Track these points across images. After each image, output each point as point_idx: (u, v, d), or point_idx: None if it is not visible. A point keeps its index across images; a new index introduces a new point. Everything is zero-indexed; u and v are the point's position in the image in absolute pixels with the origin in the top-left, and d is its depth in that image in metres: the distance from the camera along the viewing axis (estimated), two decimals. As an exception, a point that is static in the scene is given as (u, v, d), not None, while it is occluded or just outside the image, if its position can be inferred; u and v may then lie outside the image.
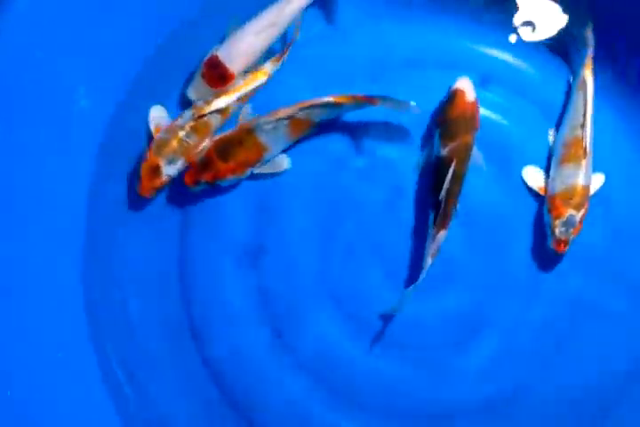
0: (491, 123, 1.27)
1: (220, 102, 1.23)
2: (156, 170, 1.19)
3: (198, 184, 1.21)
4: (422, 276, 1.17)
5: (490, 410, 1.22)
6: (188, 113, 1.22)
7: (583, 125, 1.21)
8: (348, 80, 1.28)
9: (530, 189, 1.25)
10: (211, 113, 1.22)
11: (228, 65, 1.25)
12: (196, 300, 1.24)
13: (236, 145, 1.21)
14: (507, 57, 1.30)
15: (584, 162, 1.20)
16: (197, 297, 1.24)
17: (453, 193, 1.19)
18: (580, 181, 1.20)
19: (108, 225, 1.25)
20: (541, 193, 1.23)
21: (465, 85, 1.24)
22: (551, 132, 1.26)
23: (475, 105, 1.23)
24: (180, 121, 1.22)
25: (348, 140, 1.28)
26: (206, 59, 1.26)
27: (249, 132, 1.21)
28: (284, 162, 1.26)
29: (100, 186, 1.24)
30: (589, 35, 1.25)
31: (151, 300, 1.24)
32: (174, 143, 1.20)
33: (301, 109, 1.20)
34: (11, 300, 1.16)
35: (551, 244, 1.20)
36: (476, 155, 1.23)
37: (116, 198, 1.25)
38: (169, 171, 1.19)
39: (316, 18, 1.31)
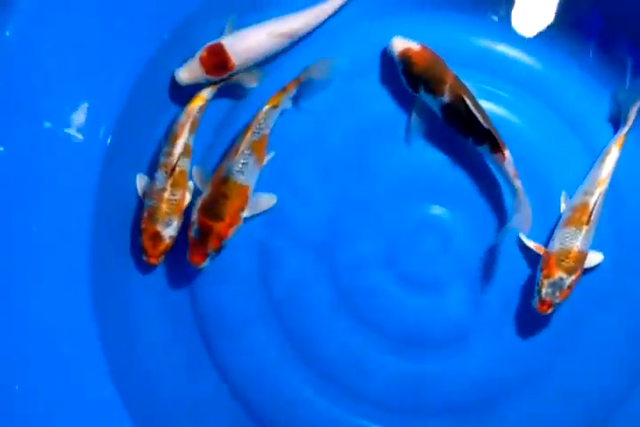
0: (501, 120, 1.27)
1: (179, 146, 1.21)
2: (156, 237, 1.19)
3: (209, 257, 1.18)
4: (523, 197, 1.18)
5: (498, 408, 1.25)
6: (160, 174, 1.20)
7: (594, 194, 1.21)
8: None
9: (526, 249, 1.25)
10: (178, 160, 1.20)
11: (231, 54, 1.23)
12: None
13: (221, 199, 1.18)
14: (514, 53, 1.31)
15: (585, 228, 1.20)
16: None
17: (487, 118, 1.21)
18: (578, 245, 1.19)
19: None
20: (537, 251, 1.23)
21: (403, 43, 1.25)
22: (563, 196, 1.26)
23: (426, 49, 1.24)
24: (158, 184, 1.20)
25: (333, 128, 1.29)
26: (209, 44, 1.23)
27: (225, 180, 1.18)
28: (272, 199, 1.25)
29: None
30: (633, 113, 1.23)
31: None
32: (164, 207, 1.20)
33: (253, 133, 1.20)
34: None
35: (535, 303, 1.19)
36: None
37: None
38: (169, 233, 1.20)
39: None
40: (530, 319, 1.25)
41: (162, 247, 1.20)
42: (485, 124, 1.20)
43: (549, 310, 1.19)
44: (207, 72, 1.23)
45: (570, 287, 1.19)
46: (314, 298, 1.26)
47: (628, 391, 1.25)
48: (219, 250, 1.19)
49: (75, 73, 1.20)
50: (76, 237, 1.23)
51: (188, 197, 1.23)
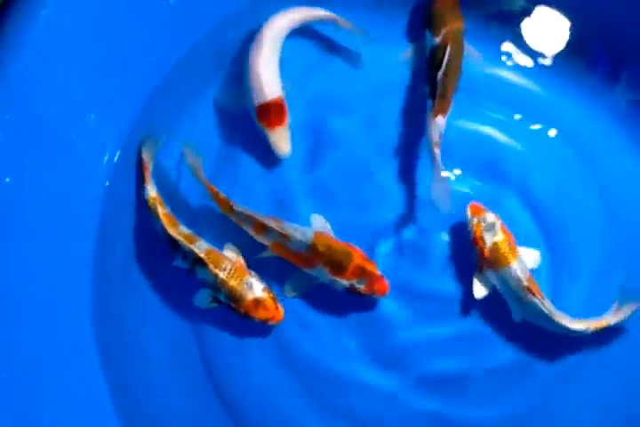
0: (504, 146, 1.29)
1: (183, 241, 1.19)
2: (258, 302, 1.18)
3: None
4: (438, 168, 1.16)
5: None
6: (199, 271, 1.19)
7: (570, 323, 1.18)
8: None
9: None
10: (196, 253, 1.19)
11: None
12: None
13: (325, 249, 1.19)
14: (520, 80, 1.32)
15: (532, 298, 1.17)
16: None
17: (453, 79, 1.20)
18: (518, 270, 1.18)
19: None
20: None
21: None
22: None
23: None
24: (208, 278, 1.19)
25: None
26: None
27: (320, 241, 1.19)
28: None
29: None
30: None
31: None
32: (232, 283, 1.18)
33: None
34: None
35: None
36: (470, 48, 1.26)
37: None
38: (259, 288, 1.19)
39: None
40: (537, 345, 1.23)
41: (270, 302, 1.19)
42: (445, 84, 1.19)
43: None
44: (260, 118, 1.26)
45: (478, 242, 1.20)
46: (319, 328, 1.25)
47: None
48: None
49: (80, 101, 1.20)
50: (77, 273, 1.23)
51: (233, 255, 1.23)
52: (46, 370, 1.17)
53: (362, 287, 1.19)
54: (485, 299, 1.21)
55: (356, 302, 1.24)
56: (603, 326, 1.19)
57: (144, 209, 1.24)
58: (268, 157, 1.29)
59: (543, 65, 1.32)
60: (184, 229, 1.22)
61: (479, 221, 1.20)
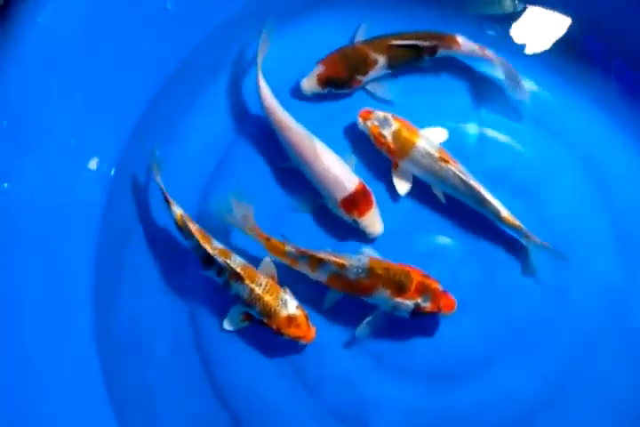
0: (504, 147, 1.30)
1: (217, 255, 1.18)
2: (291, 319, 1.18)
3: None
4: (500, 60, 1.26)
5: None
6: (235, 285, 1.19)
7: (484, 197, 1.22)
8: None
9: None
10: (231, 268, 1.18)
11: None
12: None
13: (384, 273, 1.17)
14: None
15: (446, 166, 1.21)
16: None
17: (419, 35, 1.27)
18: (430, 148, 1.22)
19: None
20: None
21: (309, 77, 1.27)
22: None
23: (324, 60, 1.28)
24: (242, 292, 1.18)
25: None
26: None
27: (377, 265, 1.18)
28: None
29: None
30: None
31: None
32: (267, 298, 1.18)
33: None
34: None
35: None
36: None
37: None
38: (293, 305, 1.19)
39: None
40: (541, 348, 1.24)
41: (304, 321, 1.19)
42: (425, 42, 1.27)
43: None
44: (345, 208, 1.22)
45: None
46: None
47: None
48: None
49: (79, 106, 1.22)
50: (77, 280, 1.23)
51: (268, 271, 1.23)
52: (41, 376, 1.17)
53: (428, 306, 1.17)
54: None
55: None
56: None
57: (146, 213, 1.27)
58: (270, 157, 1.30)
59: (540, 68, 1.33)
60: (218, 244, 1.21)
61: (372, 123, 1.24)
